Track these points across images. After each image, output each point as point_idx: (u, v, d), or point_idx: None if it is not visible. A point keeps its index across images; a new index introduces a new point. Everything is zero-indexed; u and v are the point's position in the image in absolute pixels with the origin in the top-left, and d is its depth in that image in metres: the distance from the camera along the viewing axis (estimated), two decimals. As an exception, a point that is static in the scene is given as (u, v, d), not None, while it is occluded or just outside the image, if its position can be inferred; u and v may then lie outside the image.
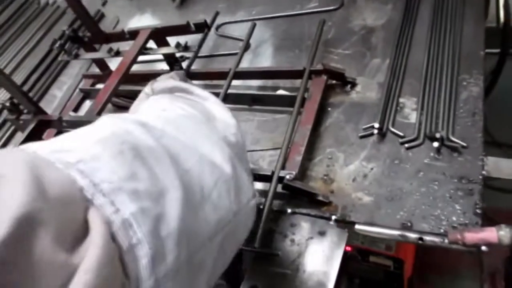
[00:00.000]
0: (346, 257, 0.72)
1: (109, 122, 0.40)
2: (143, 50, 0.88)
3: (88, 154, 0.32)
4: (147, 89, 0.61)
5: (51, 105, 1.18)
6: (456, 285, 1.28)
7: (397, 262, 1.13)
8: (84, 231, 0.28)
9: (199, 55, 0.99)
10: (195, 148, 0.42)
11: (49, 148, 0.32)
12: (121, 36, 0.96)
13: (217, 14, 0.99)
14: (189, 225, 0.36)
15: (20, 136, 1.05)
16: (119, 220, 0.30)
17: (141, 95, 0.61)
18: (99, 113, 0.78)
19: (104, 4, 1.46)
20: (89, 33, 0.98)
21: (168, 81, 0.60)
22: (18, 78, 1.26)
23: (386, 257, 1.13)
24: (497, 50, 1.13)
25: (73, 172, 0.30)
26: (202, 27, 0.87)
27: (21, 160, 0.28)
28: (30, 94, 1.21)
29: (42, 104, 1.17)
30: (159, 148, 0.38)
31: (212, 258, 0.40)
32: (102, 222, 0.28)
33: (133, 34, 0.93)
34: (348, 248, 1.04)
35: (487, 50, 1.14)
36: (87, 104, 1.12)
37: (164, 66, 1.02)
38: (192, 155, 0.41)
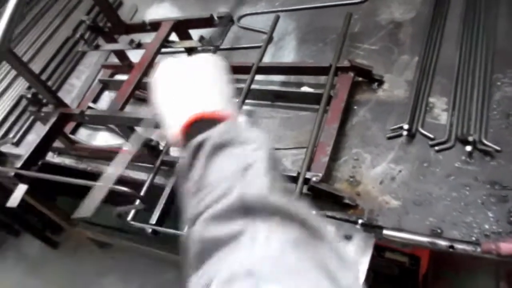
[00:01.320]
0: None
1: None
2: (165, 43, 0.86)
3: None
4: (233, 199, 0.37)
5: (70, 95, 1.17)
6: (471, 282, 1.26)
7: (413, 258, 1.11)
8: None
9: (221, 47, 0.97)
10: None
11: None
12: (142, 27, 0.94)
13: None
14: None
15: (39, 125, 1.05)
16: None
17: (222, 209, 0.38)
18: (121, 108, 0.76)
19: (123, -9, 1.43)
20: (109, 23, 0.97)
21: (269, 191, 0.38)
22: (36, 67, 1.25)
23: (402, 253, 1.12)
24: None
25: None
26: (226, 20, 0.84)
27: None
28: (49, 83, 1.20)
29: (60, 94, 1.16)
30: None
31: None
32: None
33: (154, 26, 0.91)
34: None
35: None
36: (106, 95, 1.11)
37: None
38: None
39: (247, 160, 0.40)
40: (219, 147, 0.41)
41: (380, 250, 1.13)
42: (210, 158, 0.41)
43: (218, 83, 0.51)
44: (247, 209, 0.37)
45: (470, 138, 0.70)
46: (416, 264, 1.13)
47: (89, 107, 1.05)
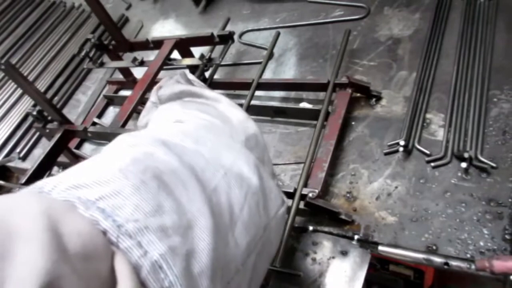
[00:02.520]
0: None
1: (127, 144, 0.37)
2: (167, 60, 0.88)
3: (108, 188, 0.29)
4: (153, 97, 0.56)
5: (76, 110, 1.20)
6: (478, 296, 1.25)
7: (418, 272, 1.11)
8: (111, 284, 0.26)
9: (223, 63, 0.99)
10: (219, 162, 0.39)
11: (66, 183, 0.29)
12: (145, 45, 0.96)
13: (228, 20, 0.98)
14: (221, 255, 0.33)
15: (45, 140, 1.08)
16: (148, 264, 0.28)
17: (147, 105, 0.57)
18: (123, 125, 0.78)
19: (128, 8, 1.47)
20: (113, 41, 0.99)
21: (175, 85, 0.56)
22: (44, 83, 1.28)
23: (406, 266, 1.11)
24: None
25: (95, 213, 0.28)
26: (226, 39, 0.86)
27: (37, 210, 0.25)
28: (56, 99, 1.24)
29: (67, 109, 1.20)
30: (184, 170, 0.35)
31: (246, 281, 0.38)
32: (130, 271, 0.26)
33: (157, 44, 0.93)
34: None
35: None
36: (111, 110, 1.13)
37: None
38: (217, 171, 0.38)
39: (167, 79, 0.59)
40: (162, 82, 0.59)
41: (384, 263, 1.13)
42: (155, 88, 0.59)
43: None
44: (161, 101, 0.55)
45: (466, 155, 0.71)
46: (421, 278, 1.13)
47: (94, 122, 1.08)
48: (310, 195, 0.69)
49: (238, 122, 0.49)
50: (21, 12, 1.52)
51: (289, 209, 0.69)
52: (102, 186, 0.30)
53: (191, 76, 0.61)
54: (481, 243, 0.63)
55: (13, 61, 1.35)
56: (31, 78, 1.31)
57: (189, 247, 0.31)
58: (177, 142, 0.39)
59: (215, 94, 0.54)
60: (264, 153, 0.49)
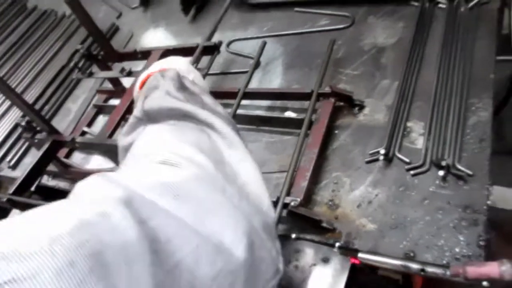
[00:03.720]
0: (354, 269, 0.73)
1: (89, 197, 0.33)
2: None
3: (26, 267, 0.25)
4: (138, 112, 0.51)
5: (66, 118, 1.21)
6: (467, 299, 1.27)
7: (406, 276, 1.13)
8: None
9: (210, 72, 1.01)
10: (196, 229, 0.34)
11: None
12: (134, 56, 0.98)
13: (214, 31, 1.00)
14: None
15: (34, 151, 1.10)
16: None
17: (131, 121, 0.51)
18: (110, 136, 0.80)
19: (119, 17, 1.49)
20: (102, 52, 1.01)
21: (165, 99, 0.50)
22: (35, 91, 1.30)
23: (395, 271, 1.13)
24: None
25: None
26: (213, 49, 0.88)
27: None
28: (46, 107, 1.25)
29: (57, 118, 1.21)
30: (139, 243, 0.30)
31: None
32: None
33: (145, 54, 0.95)
34: (357, 261, 1.06)
35: (503, 57, 1.14)
36: (101, 119, 1.15)
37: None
38: (188, 242, 0.33)
39: (155, 85, 0.53)
40: (149, 89, 0.53)
41: (374, 268, 1.15)
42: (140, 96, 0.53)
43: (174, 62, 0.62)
44: (149, 117, 0.50)
45: (444, 163, 0.73)
46: (409, 281, 1.14)
47: (84, 132, 1.09)
48: (292, 204, 0.71)
49: (232, 163, 0.44)
50: (13, 21, 1.54)
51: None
52: (21, 262, 0.25)
53: (189, 73, 0.59)
54: (457, 250, 0.65)
55: (4, 69, 1.36)
56: (22, 86, 1.33)
57: None
58: (149, 200, 0.34)
59: (210, 116, 0.48)
60: (261, 211, 0.43)
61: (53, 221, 0.29)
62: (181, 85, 0.54)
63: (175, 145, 0.45)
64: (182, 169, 0.40)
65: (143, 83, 0.60)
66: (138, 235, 0.30)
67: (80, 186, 0.35)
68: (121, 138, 0.53)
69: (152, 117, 0.50)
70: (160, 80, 0.54)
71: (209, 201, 0.37)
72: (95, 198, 0.33)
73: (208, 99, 0.54)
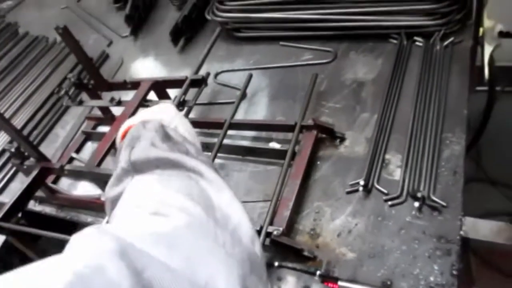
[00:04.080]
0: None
1: (83, 252, 0.33)
2: (144, 101, 0.93)
3: None
4: (124, 163, 0.50)
5: (54, 144, 1.22)
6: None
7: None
8: None
9: (198, 102, 1.04)
10: (190, 278, 0.34)
11: None
12: (123, 86, 1.01)
13: (201, 65, 1.04)
14: None
15: (21, 176, 1.11)
16: None
17: (118, 172, 0.51)
18: (99, 164, 0.82)
19: (109, 45, 1.52)
20: (92, 80, 1.04)
21: (150, 150, 0.50)
22: (24, 116, 1.31)
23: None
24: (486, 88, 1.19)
25: None
26: (200, 82, 0.92)
27: None
28: (35, 132, 1.26)
29: (45, 144, 1.23)
30: None
31: None
32: None
33: (134, 84, 0.98)
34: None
35: (478, 88, 1.20)
36: (89, 145, 1.17)
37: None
38: None
39: (137, 136, 0.53)
40: (132, 140, 0.53)
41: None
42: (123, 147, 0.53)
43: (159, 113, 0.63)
44: (135, 168, 0.50)
45: (419, 194, 0.77)
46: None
47: (72, 158, 1.11)
48: (275, 233, 0.74)
49: (224, 210, 0.44)
50: (4, 46, 1.56)
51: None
52: None
53: (173, 121, 0.59)
54: (431, 278, 0.68)
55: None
56: (11, 110, 1.34)
57: None
58: (143, 250, 0.34)
59: (199, 163, 0.49)
60: (259, 263, 0.43)
61: (48, 276, 0.29)
62: (165, 135, 0.54)
63: (164, 195, 0.45)
64: (173, 219, 0.41)
65: (124, 134, 0.59)
66: (133, 287, 0.30)
67: (75, 238, 0.35)
68: (108, 190, 0.52)
69: (139, 168, 0.50)
70: (142, 130, 0.54)
71: (201, 249, 0.37)
72: (90, 250, 0.33)
73: (191, 147, 0.54)
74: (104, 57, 1.46)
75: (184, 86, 0.89)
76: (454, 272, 0.67)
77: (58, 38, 1.58)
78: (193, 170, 0.49)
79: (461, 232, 0.72)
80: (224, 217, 0.43)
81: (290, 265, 0.75)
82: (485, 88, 1.19)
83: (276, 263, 0.76)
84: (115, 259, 0.31)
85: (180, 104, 0.88)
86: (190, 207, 0.42)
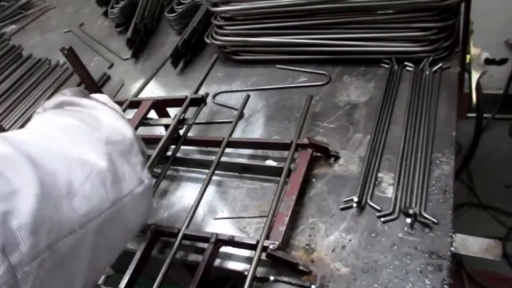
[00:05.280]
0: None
1: None
2: (144, 120, 0.96)
3: None
4: (39, 109, 0.65)
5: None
6: None
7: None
8: None
9: (197, 121, 1.07)
10: (62, 152, 0.49)
11: None
12: (123, 104, 1.04)
13: (200, 85, 1.08)
14: (48, 217, 0.42)
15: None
16: None
17: (33, 116, 0.64)
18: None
19: (110, 67, 1.57)
20: (95, 99, 1.07)
21: (58, 97, 0.65)
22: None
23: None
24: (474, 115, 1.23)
25: None
26: (200, 101, 0.95)
27: None
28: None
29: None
30: (17, 156, 0.43)
31: (88, 244, 0.47)
32: None
33: (135, 104, 1.01)
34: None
35: (470, 115, 1.24)
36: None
37: (162, 130, 1.10)
38: (58, 158, 0.48)
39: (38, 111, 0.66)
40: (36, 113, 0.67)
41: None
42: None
43: None
44: (45, 108, 0.65)
45: (411, 211, 0.79)
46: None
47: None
48: (271, 247, 0.75)
49: (107, 122, 0.59)
50: (6, 69, 1.60)
51: (251, 260, 0.75)
52: None
53: (100, 97, 0.70)
54: (423, 293, 0.69)
55: (-3, 114, 1.41)
56: (15, 128, 1.37)
57: (8, 208, 0.39)
58: (17, 138, 0.48)
59: (93, 102, 0.64)
60: (127, 147, 0.59)
61: None
62: (83, 93, 0.68)
63: (50, 117, 0.60)
64: (48, 126, 0.56)
65: None
66: (12, 151, 0.44)
67: None
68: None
69: (47, 110, 0.64)
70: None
71: (73, 139, 0.53)
72: None
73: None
74: (106, 78, 1.50)
75: (184, 104, 0.92)
76: (445, 287, 0.69)
77: (61, 61, 1.62)
78: (88, 107, 0.62)
79: (452, 248, 0.74)
80: (109, 126, 0.59)
81: (285, 279, 0.76)
82: (474, 114, 1.24)
83: (272, 277, 0.77)
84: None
85: (180, 122, 0.91)
86: (70, 121, 0.57)
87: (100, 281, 0.80)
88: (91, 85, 1.03)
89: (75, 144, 0.52)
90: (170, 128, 0.93)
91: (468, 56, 1.12)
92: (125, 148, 0.58)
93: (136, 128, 0.94)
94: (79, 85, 1.45)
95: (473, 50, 1.12)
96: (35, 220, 0.40)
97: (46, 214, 0.41)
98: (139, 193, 0.56)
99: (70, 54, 0.95)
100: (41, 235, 0.40)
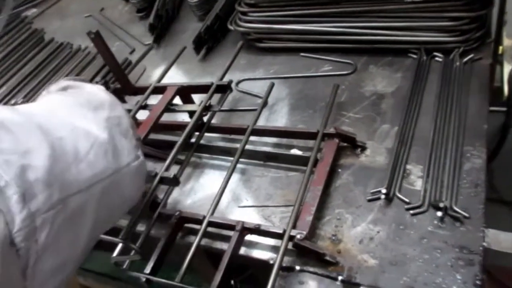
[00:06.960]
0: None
1: None
2: (169, 105, 0.95)
3: None
4: (44, 92, 0.70)
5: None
6: None
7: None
8: None
9: (221, 108, 1.06)
10: (68, 123, 0.55)
11: None
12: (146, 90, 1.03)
13: (226, 72, 1.06)
14: (60, 175, 0.47)
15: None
16: None
17: (39, 98, 0.69)
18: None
19: (132, 52, 1.56)
20: (118, 85, 1.06)
21: (62, 82, 0.70)
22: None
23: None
24: (504, 109, 1.20)
25: None
26: (225, 88, 0.94)
27: None
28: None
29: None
30: (28, 123, 0.48)
31: (93, 206, 0.52)
32: None
33: (160, 89, 1.01)
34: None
35: (495, 108, 1.21)
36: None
37: (185, 117, 1.09)
38: (64, 127, 0.53)
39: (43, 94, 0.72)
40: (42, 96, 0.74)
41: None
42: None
43: None
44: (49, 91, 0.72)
45: (441, 204, 0.77)
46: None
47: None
48: (298, 236, 0.75)
49: (107, 104, 0.65)
50: (29, 52, 1.60)
51: (276, 249, 0.74)
52: None
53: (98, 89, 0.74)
54: (454, 287, 0.68)
55: (21, 95, 1.42)
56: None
57: (25, 163, 0.43)
58: (26, 109, 0.54)
59: (94, 87, 0.70)
60: (122, 124, 0.64)
61: None
62: (65, 87, 0.72)
63: (53, 97, 0.66)
64: (52, 103, 0.63)
65: None
66: (25, 120, 0.49)
67: None
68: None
69: (52, 93, 0.69)
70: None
71: (75, 114, 0.58)
72: None
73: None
74: (127, 64, 1.49)
75: (210, 91, 0.91)
76: (478, 282, 0.68)
77: (83, 45, 1.62)
78: (88, 90, 0.68)
79: (484, 243, 0.73)
80: (107, 106, 0.64)
81: (311, 269, 0.76)
82: (499, 108, 1.20)
83: (298, 267, 0.76)
84: (6, 110, 0.50)
85: (206, 109, 0.90)
86: (71, 100, 0.63)
87: (125, 266, 0.80)
88: (117, 70, 1.02)
89: (78, 117, 0.58)
90: (196, 115, 0.92)
91: (500, 47, 1.09)
92: (122, 130, 0.64)
93: (161, 114, 0.94)
94: (99, 70, 1.45)
95: (506, 41, 1.09)
96: (48, 176, 0.45)
97: (57, 173, 0.47)
98: (135, 167, 0.61)
99: (97, 38, 0.94)
100: (54, 189, 0.45)
